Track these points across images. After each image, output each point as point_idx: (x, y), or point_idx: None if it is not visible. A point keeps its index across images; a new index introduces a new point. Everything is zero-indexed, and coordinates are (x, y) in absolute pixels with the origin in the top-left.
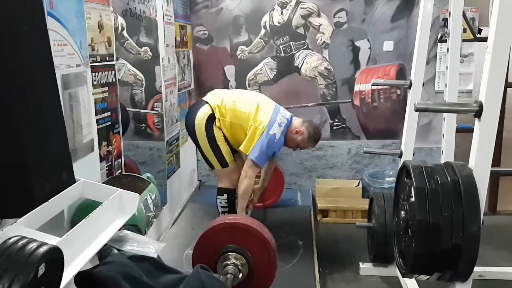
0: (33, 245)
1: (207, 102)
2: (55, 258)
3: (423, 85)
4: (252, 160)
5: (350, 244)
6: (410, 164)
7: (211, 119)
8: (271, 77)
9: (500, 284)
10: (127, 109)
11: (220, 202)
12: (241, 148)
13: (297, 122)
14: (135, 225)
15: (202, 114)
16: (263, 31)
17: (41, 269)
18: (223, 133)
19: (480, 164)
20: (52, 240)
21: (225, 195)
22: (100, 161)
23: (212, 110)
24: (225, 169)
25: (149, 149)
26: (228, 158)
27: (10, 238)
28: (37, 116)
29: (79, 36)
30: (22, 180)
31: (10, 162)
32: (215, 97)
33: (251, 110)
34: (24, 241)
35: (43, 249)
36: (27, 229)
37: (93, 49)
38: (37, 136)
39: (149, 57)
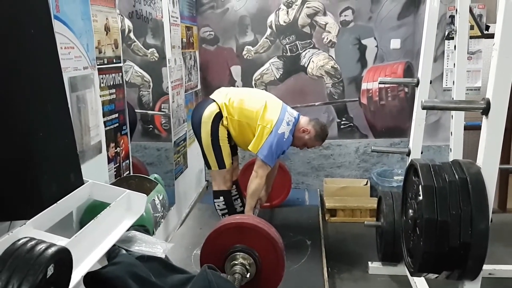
0: (42, 246)
1: (214, 100)
2: (64, 259)
3: (430, 82)
4: (262, 160)
5: (359, 243)
6: (417, 162)
7: (217, 117)
8: (278, 76)
9: (511, 282)
10: (135, 110)
11: (218, 205)
12: (249, 147)
13: (304, 120)
14: (143, 226)
15: (208, 112)
16: (269, 30)
17: (50, 270)
18: (228, 132)
19: (488, 162)
20: (61, 241)
21: (221, 198)
22: (108, 163)
23: (220, 109)
24: (221, 171)
25: (156, 150)
26: (227, 160)
27: (19, 240)
28: (45, 118)
29: (86, 38)
30: (30, 182)
31: (17, 164)
32: (222, 95)
33: (259, 109)
34: (33, 242)
35: (52, 250)
36: (36, 231)
37: (100, 52)
38: (45, 138)
39: (156, 59)
